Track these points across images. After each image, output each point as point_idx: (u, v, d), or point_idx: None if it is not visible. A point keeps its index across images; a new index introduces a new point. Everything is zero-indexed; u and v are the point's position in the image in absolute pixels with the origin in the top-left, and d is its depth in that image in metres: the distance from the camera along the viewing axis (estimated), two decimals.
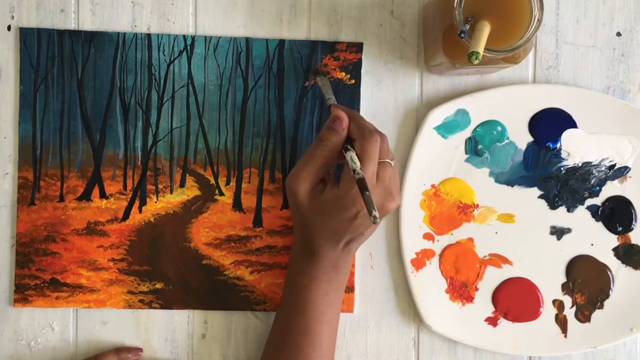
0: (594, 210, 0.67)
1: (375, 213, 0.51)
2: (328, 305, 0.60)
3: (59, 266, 0.65)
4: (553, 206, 0.67)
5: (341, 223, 0.57)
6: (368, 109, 0.67)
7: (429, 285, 0.66)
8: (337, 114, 0.58)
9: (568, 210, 0.67)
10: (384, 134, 0.58)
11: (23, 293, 0.65)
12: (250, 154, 0.66)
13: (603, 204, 0.67)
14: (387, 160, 0.57)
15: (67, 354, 0.66)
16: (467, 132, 0.66)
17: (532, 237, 0.67)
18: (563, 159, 0.67)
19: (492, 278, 0.67)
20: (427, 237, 0.67)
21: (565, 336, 0.67)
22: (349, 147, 0.57)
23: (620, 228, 0.67)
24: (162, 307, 0.66)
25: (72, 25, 0.65)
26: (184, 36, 0.65)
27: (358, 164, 0.55)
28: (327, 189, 0.57)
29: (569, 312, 0.67)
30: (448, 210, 0.67)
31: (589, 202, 0.67)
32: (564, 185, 0.67)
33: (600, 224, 0.67)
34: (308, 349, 0.59)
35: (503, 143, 0.67)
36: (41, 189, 0.65)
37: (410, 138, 0.67)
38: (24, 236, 0.65)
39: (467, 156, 0.67)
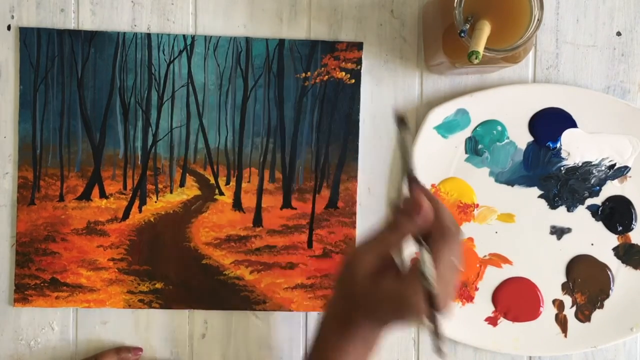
0: (594, 210, 0.67)
1: (445, 349, 0.46)
2: None
3: (59, 266, 0.65)
4: (553, 206, 0.67)
5: (392, 316, 0.52)
6: (368, 109, 0.67)
7: None
8: (422, 203, 0.51)
9: (568, 210, 0.67)
10: (462, 231, 0.53)
11: (23, 293, 0.65)
12: (250, 154, 0.66)
13: (603, 203, 0.67)
14: (455, 262, 0.51)
15: (67, 353, 0.66)
16: (467, 132, 0.66)
17: (532, 237, 0.67)
18: (563, 158, 0.67)
19: (492, 278, 0.67)
20: None
21: (565, 336, 0.67)
22: (423, 242, 0.51)
23: (620, 228, 0.67)
24: (162, 307, 0.66)
25: (72, 25, 0.65)
26: (184, 36, 0.65)
27: (433, 273, 0.48)
28: (388, 278, 0.51)
29: (569, 311, 0.67)
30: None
31: (589, 201, 0.67)
32: (564, 185, 0.67)
33: (600, 223, 0.67)
34: None
35: (503, 143, 0.67)
36: (41, 189, 0.65)
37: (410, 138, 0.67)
38: (24, 236, 0.65)
39: (467, 156, 0.67)
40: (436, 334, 0.46)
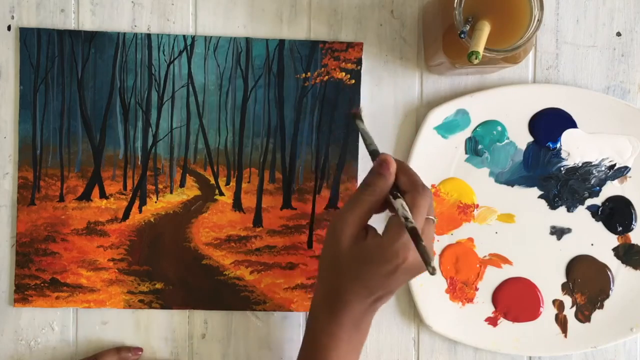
0: (594, 210, 0.67)
1: (434, 264, 0.49)
2: None
3: (59, 266, 0.65)
4: (553, 206, 0.67)
5: (378, 276, 0.53)
6: (368, 109, 0.67)
7: (429, 285, 0.66)
8: (384, 158, 0.55)
9: (568, 210, 0.67)
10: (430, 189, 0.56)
11: (23, 293, 0.65)
12: (250, 154, 0.66)
13: (603, 204, 0.67)
14: (431, 217, 0.55)
15: (67, 354, 0.66)
16: (467, 132, 0.66)
17: (532, 237, 0.67)
18: (563, 159, 0.67)
19: (492, 278, 0.67)
20: None
21: (565, 336, 0.67)
22: (398, 194, 0.54)
23: (620, 228, 0.67)
24: (162, 307, 0.66)
25: (72, 25, 0.65)
26: (184, 36, 0.65)
27: (409, 212, 0.51)
28: (370, 236, 0.54)
29: (569, 312, 0.67)
30: (448, 210, 0.67)
31: (589, 202, 0.67)
32: (564, 185, 0.67)
33: (600, 224, 0.67)
34: None
35: (503, 143, 0.67)
36: (41, 189, 0.65)
37: (410, 138, 0.67)
38: (24, 236, 0.65)
39: (467, 156, 0.67)
40: (429, 257, 0.48)
